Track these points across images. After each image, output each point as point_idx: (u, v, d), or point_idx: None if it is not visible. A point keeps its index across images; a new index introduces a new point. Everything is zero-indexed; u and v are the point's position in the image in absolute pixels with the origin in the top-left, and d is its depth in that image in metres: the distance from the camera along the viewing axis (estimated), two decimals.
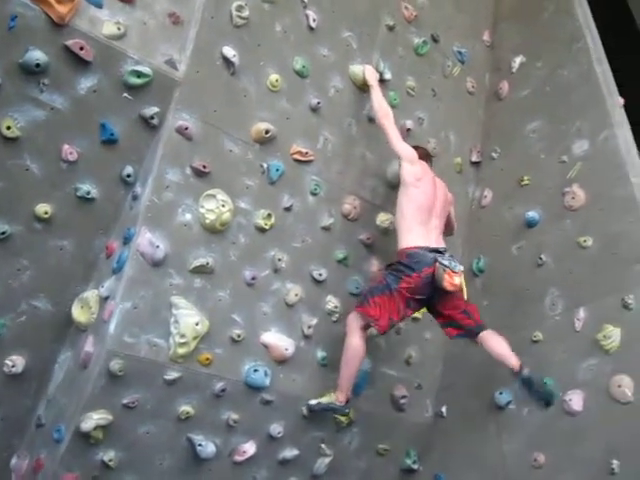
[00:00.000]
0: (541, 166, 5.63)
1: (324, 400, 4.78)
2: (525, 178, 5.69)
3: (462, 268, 4.68)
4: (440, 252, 4.73)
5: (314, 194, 5.00)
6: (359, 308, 4.75)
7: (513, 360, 4.72)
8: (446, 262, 4.61)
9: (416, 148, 5.17)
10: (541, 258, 5.36)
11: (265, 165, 4.72)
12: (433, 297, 4.78)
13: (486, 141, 6.24)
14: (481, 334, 4.86)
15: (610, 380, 4.75)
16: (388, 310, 4.66)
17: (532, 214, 5.50)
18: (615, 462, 4.59)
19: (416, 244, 4.74)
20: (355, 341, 4.71)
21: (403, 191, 4.91)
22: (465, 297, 4.77)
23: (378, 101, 5.05)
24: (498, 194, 5.98)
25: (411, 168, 4.91)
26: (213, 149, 4.48)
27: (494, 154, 6.10)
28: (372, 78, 5.16)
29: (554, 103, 5.69)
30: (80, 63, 4.02)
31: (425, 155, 5.24)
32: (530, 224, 5.52)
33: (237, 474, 4.76)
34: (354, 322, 4.75)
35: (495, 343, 4.83)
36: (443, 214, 5.07)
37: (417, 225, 4.81)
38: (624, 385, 4.66)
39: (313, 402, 4.82)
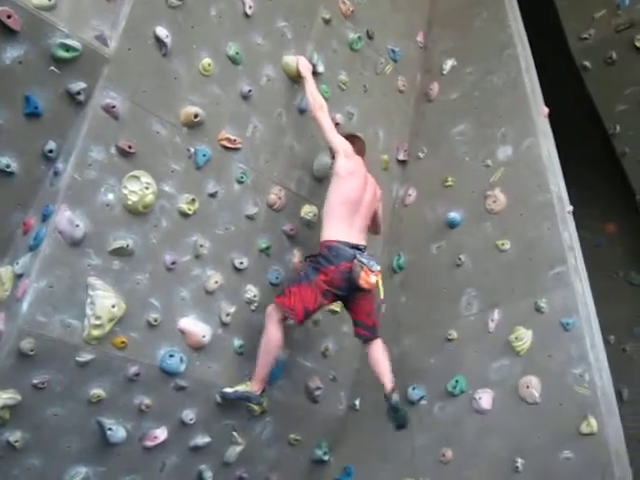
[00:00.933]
0: (465, 169, 5.74)
1: (240, 389, 4.79)
2: (449, 179, 5.79)
3: (379, 268, 4.74)
4: (360, 249, 4.78)
5: (240, 182, 4.98)
6: (277, 299, 4.77)
7: (388, 382, 4.86)
8: (364, 260, 4.67)
9: (354, 138, 5.23)
10: (460, 258, 5.47)
11: (192, 149, 4.67)
12: (349, 294, 4.83)
13: (413, 140, 6.32)
14: (372, 343, 4.99)
15: (519, 381, 4.90)
16: (303, 300, 4.69)
17: (454, 215, 5.60)
18: (520, 460, 4.75)
19: (338, 238, 4.78)
20: (273, 332, 4.74)
21: (334, 183, 4.95)
22: (382, 296, 4.84)
23: (312, 93, 5.05)
24: (422, 193, 6.06)
25: (345, 162, 4.94)
26: (140, 130, 4.41)
27: (420, 154, 6.19)
28: (306, 70, 5.15)
29: (481, 108, 5.82)
30: (6, 32, 3.89)
31: (361, 149, 5.26)
32: (451, 225, 5.62)
33: (147, 459, 4.71)
34: (273, 313, 4.77)
35: (379, 358, 4.97)
36: (369, 211, 5.11)
37: (342, 219, 4.85)
38: (532, 386, 4.82)
39: (228, 390, 4.81)
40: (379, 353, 4.99)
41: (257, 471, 5.21)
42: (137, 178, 4.35)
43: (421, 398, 5.36)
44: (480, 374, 5.12)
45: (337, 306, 5.48)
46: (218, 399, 4.89)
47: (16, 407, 4.02)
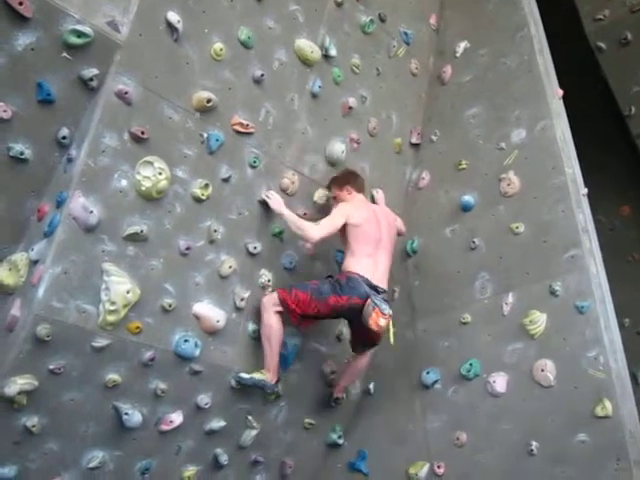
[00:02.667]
0: (479, 151, 5.71)
1: (256, 376, 4.81)
2: (463, 162, 5.76)
3: (391, 312, 4.77)
4: (378, 292, 4.82)
5: (253, 167, 4.97)
6: (282, 293, 4.81)
7: (340, 390, 5.26)
8: (377, 301, 4.71)
9: (351, 177, 5.29)
10: (474, 242, 5.45)
11: (205, 135, 4.67)
12: (354, 321, 4.94)
13: (427, 123, 6.29)
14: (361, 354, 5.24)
15: (534, 364, 4.89)
16: (304, 309, 4.77)
17: (467, 198, 5.58)
18: (534, 444, 4.75)
19: (360, 272, 4.85)
20: (271, 321, 4.80)
21: (349, 231, 5.00)
22: (392, 342, 4.90)
23: (296, 225, 4.88)
24: (435, 177, 6.04)
25: (353, 219, 5.00)
26: (152, 115, 4.41)
27: (434, 137, 6.16)
28: (278, 206, 4.94)
29: (495, 90, 5.78)
30: (18, 19, 3.89)
31: (360, 186, 5.31)
32: (465, 208, 5.60)
33: (163, 443, 4.74)
34: (269, 305, 4.83)
35: (356, 369, 5.31)
36: (391, 242, 5.20)
37: (365, 257, 4.94)
38: (547, 369, 4.81)
39: (245, 375, 4.83)
40: (361, 364, 5.26)
41: (272, 455, 5.23)
42: (150, 164, 4.35)
43: (435, 382, 5.37)
44: (494, 357, 5.11)
45: None
46: (233, 383, 4.91)
47: (33, 392, 4.04)
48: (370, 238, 5.00)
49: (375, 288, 4.83)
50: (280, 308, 4.79)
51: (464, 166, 5.76)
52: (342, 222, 4.97)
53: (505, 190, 5.40)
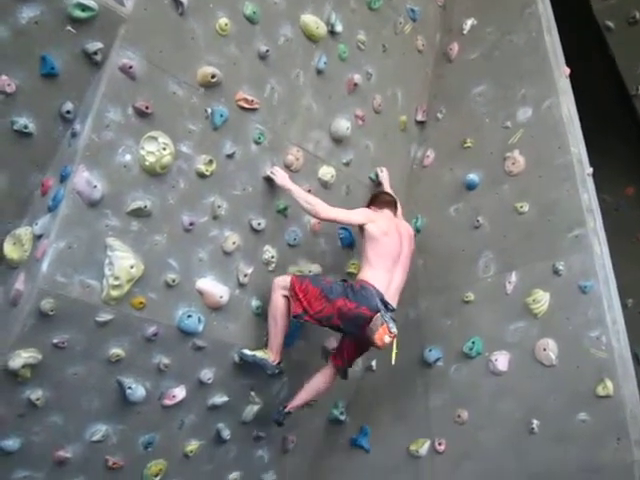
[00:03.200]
0: (484, 130, 5.69)
1: (259, 355, 4.82)
2: (468, 141, 5.74)
3: (396, 332, 4.67)
4: (388, 309, 4.77)
5: (257, 143, 4.96)
6: (295, 279, 4.81)
7: (294, 403, 5.07)
8: (387, 318, 4.64)
9: (380, 197, 5.28)
10: (478, 221, 5.45)
11: (209, 110, 4.65)
12: (352, 332, 4.88)
13: (432, 101, 6.26)
14: (331, 373, 5.13)
15: (536, 343, 4.91)
16: (310, 305, 4.72)
17: (472, 177, 5.57)
18: (535, 422, 4.77)
19: (375, 285, 4.78)
20: (279, 301, 4.79)
21: (370, 243, 4.91)
22: (393, 362, 4.77)
23: (305, 199, 4.87)
24: (440, 155, 6.02)
25: (375, 226, 4.92)
26: (157, 90, 4.39)
27: (439, 115, 6.13)
28: (285, 181, 4.96)
29: (502, 68, 5.74)
30: None
31: (389, 202, 5.27)
32: (470, 186, 5.60)
33: (166, 418, 4.78)
34: (280, 287, 4.82)
35: (317, 385, 5.12)
36: (408, 261, 5.13)
37: (382, 271, 4.87)
38: (549, 349, 4.82)
39: (248, 352, 4.85)
40: (323, 382, 5.12)
41: (274, 430, 5.26)
42: (154, 139, 4.34)
43: (437, 360, 5.39)
44: (497, 336, 5.12)
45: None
46: (236, 359, 4.93)
47: (37, 366, 4.07)
48: (390, 252, 4.93)
49: (386, 304, 4.77)
50: (285, 293, 4.79)
51: (469, 144, 5.74)
52: (359, 222, 4.95)
53: (510, 169, 5.39)
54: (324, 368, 5.13)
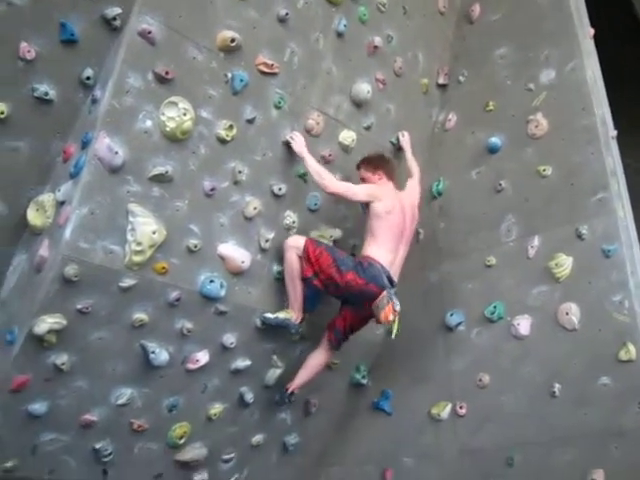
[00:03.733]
0: (507, 92, 5.62)
1: (281, 316, 4.86)
2: (490, 104, 5.68)
3: (400, 309, 4.70)
4: (392, 285, 4.78)
5: (278, 107, 4.93)
6: (309, 242, 4.82)
7: (294, 385, 5.07)
8: (393, 296, 4.68)
9: (382, 162, 5.18)
10: (500, 184, 5.41)
11: (229, 75, 4.63)
12: (354, 303, 4.90)
13: (454, 64, 6.18)
14: (327, 349, 5.11)
15: (558, 307, 4.89)
16: (322, 270, 4.74)
17: (494, 140, 5.52)
18: (557, 386, 4.77)
19: (381, 262, 4.78)
20: (293, 260, 4.81)
21: (375, 220, 4.89)
22: (393, 336, 4.78)
23: (316, 170, 4.85)
24: (462, 118, 5.96)
25: (380, 205, 4.88)
26: (176, 55, 4.37)
27: (461, 77, 6.05)
28: (301, 149, 4.93)
29: (524, 29, 5.64)
30: None
31: (392, 174, 5.20)
32: (492, 150, 5.54)
33: (189, 382, 4.83)
34: (293, 244, 4.84)
35: (314, 365, 5.12)
36: (411, 236, 5.14)
37: (386, 249, 4.86)
38: (571, 313, 4.81)
39: (270, 315, 4.88)
40: (321, 361, 5.14)
41: (296, 394, 5.30)
42: (175, 104, 4.33)
43: (459, 324, 5.39)
44: (519, 300, 5.11)
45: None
46: (258, 323, 4.96)
47: (62, 331, 4.12)
48: (394, 230, 4.91)
49: (391, 281, 4.79)
50: (299, 253, 4.81)
51: (491, 107, 5.68)
52: (363, 199, 4.93)
53: (533, 132, 5.33)
54: (320, 345, 5.14)
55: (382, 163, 5.18)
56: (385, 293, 4.66)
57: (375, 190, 4.97)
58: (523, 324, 5.03)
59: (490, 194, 5.49)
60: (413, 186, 5.40)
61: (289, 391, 5.06)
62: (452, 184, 5.82)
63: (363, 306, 4.78)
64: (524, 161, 5.34)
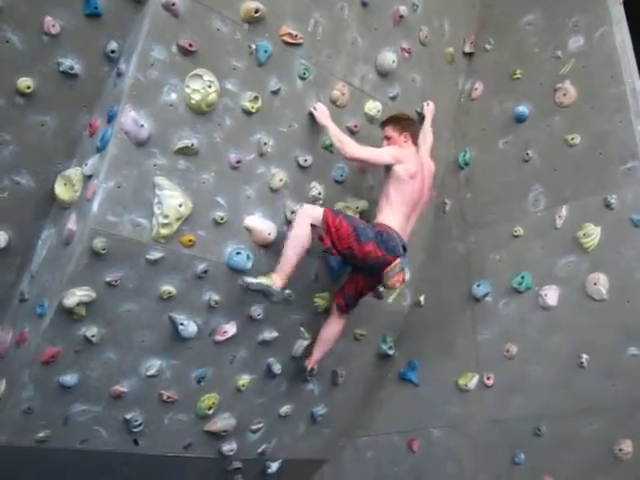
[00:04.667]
0: (534, 60, 5.53)
1: (263, 281, 4.53)
2: (517, 72, 5.60)
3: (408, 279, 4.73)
4: (405, 251, 4.76)
5: (303, 78, 4.90)
6: (328, 211, 4.70)
7: (314, 361, 5.11)
8: (405, 265, 4.68)
9: (411, 124, 5.12)
10: (527, 154, 5.36)
11: (253, 46, 4.60)
12: (364, 270, 4.83)
13: (480, 32, 6.08)
14: (340, 316, 5.08)
15: (587, 277, 4.86)
16: (340, 239, 4.62)
17: (522, 109, 5.45)
18: (585, 357, 4.76)
19: (396, 230, 4.75)
20: (304, 230, 4.64)
21: (395, 184, 4.82)
22: (390, 300, 4.87)
23: (338, 138, 4.78)
24: (489, 87, 5.89)
25: (403, 168, 4.81)
26: (200, 27, 4.35)
27: (487, 46, 5.97)
28: (323, 118, 4.88)
29: None
30: None
31: (416, 135, 5.16)
32: (519, 119, 5.48)
33: (217, 353, 4.87)
34: (308, 213, 4.70)
35: (330, 336, 5.11)
36: (425, 204, 5.13)
37: (400, 216, 4.82)
38: (600, 283, 4.78)
39: (252, 280, 4.54)
40: (336, 330, 5.10)
41: (323, 365, 5.33)
42: (199, 77, 4.32)
43: (486, 294, 5.37)
44: (546, 271, 5.08)
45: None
46: (286, 295, 4.94)
47: (91, 304, 4.17)
48: (412, 196, 4.87)
49: (405, 249, 4.76)
50: (316, 222, 4.65)
51: (519, 76, 5.60)
52: (388, 162, 4.83)
53: (561, 100, 5.26)
54: (330, 315, 5.12)
55: (410, 125, 5.12)
56: (398, 261, 4.62)
57: (400, 152, 4.90)
58: (551, 294, 5.01)
59: (517, 164, 5.44)
60: (427, 155, 5.33)
61: (309, 368, 5.09)
62: (479, 154, 5.77)
63: (376, 273, 4.73)
64: (552, 130, 5.28)
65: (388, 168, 4.87)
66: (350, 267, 4.97)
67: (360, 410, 5.94)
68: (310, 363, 5.10)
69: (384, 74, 5.37)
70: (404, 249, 4.74)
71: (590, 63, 5.15)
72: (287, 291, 4.77)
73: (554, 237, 5.10)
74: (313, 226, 4.66)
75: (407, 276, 4.68)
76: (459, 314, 5.54)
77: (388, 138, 5.03)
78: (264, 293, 4.54)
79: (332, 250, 4.69)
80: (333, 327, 5.09)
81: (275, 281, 4.53)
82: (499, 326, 5.29)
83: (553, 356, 4.94)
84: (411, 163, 4.87)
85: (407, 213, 4.87)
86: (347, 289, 5.01)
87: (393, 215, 4.80)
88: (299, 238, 4.63)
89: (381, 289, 5.00)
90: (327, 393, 5.68)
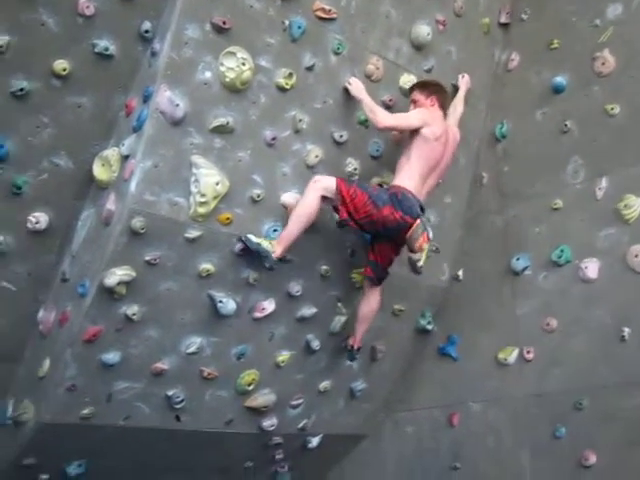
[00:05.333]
0: (572, 30, 5.43)
1: (263, 245, 4.49)
2: (555, 42, 5.50)
3: (432, 237, 4.63)
4: (423, 211, 4.68)
5: (337, 53, 4.87)
6: (340, 182, 4.62)
7: (358, 340, 5.09)
8: (427, 225, 4.60)
9: (439, 88, 5.05)
10: (566, 125, 5.28)
11: (287, 22, 4.58)
12: (385, 235, 4.77)
13: (516, 1, 5.98)
14: (373, 289, 5.01)
15: (628, 250, 4.79)
16: (356, 209, 4.57)
17: (560, 79, 5.37)
18: (626, 330, 4.71)
19: (412, 191, 4.68)
20: (314, 202, 4.57)
21: (418, 142, 4.76)
22: (421, 264, 4.68)
23: (370, 109, 4.72)
24: (525, 57, 5.79)
25: (430, 130, 4.75)
26: (233, 5, 4.33)
27: (524, 15, 5.87)
28: (360, 92, 4.80)
29: None
30: None
31: (444, 102, 5.09)
32: (557, 89, 5.40)
33: (256, 330, 4.91)
34: (321, 184, 4.61)
35: (368, 312, 5.06)
36: (445, 169, 5.05)
37: (418, 177, 4.75)
38: None
39: (253, 239, 4.51)
40: (373, 306, 5.04)
41: (363, 340, 5.32)
42: (233, 54, 4.31)
43: (525, 268, 5.33)
44: (586, 243, 5.03)
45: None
46: (323, 272, 4.95)
47: (131, 283, 4.22)
48: (433, 158, 4.81)
49: (423, 209, 4.69)
50: (328, 194, 4.58)
51: (556, 45, 5.51)
52: (416, 125, 4.77)
53: (599, 69, 5.16)
54: (364, 291, 5.08)
55: (438, 89, 5.06)
56: (419, 222, 4.57)
57: (427, 114, 4.85)
58: (591, 267, 4.95)
59: (556, 135, 5.36)
60: (454, 124, 5.27)
61: (355, 347, 5.09)
62: (516, 126, 5.70)
63: (397, 237, 4.69)
64: (591, 100, 5.19)
65: (414, 130, 4.81)
66: (371, 234, 4.90)
67: (399, 385, 5.95)
68: (355, 342, 5.10)
69: (419, 47, 5.31)
70: (422, 209, 4.68)
71: (629, 31, 5.05)
72: (288, 257, 4.71)
73: (594, 209, 5.03)
74: (324, 198, 4.60)
75: (431, 235, 4.60)
76: (498, 288, 5.51)
77: (415, 102, 4.99)
78: (260, 255, 4.51)
79: (349, 221, 4.65)
80: (369, 303, 5.06)
81: (275, 249, 4.51)
82: (539, 300, 5.25)
83: (594, 330, 4.90)
84: (437, 125, 4.84)
85: (425, 175, 4.81)
86: (372, 257, 4.94)
87: (410, 177, 4.73)
88: (307, 210, 4.58)
89: (415, 258, 4.90)
90: (366, 368, 5.70)
